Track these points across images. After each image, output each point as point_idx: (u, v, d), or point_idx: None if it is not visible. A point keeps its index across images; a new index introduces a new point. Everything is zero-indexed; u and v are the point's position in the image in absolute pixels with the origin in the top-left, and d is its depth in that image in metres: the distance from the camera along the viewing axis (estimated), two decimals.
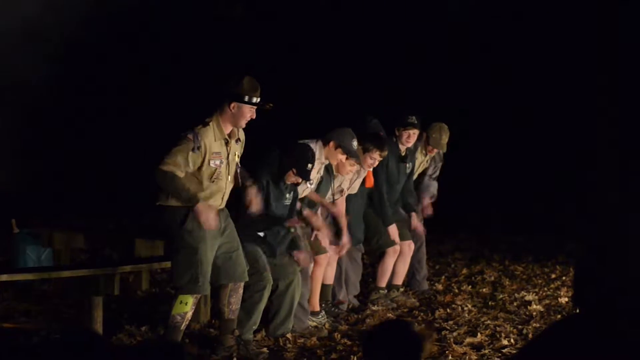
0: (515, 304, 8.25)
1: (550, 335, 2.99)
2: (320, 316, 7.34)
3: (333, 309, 7.70)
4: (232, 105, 6.14)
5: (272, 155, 6.82)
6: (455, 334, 7.03)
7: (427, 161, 8.82)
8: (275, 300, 6.86)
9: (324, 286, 7.51)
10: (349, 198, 7.73)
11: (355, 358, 6.28)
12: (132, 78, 14.44)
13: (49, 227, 9.11)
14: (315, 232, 7.29)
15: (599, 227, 10.51)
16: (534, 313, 7.83)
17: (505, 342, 6.78)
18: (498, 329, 7.21)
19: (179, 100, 13.34)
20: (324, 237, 7.35)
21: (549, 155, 13.82)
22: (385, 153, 7.60)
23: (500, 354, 6.54)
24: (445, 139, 8.57)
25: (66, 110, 13.51)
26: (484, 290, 8.92)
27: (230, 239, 6.34)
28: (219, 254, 6.28)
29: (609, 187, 12.22)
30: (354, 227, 7.74)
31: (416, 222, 8.54)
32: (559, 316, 7.69)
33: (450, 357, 6.40)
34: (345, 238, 7.54)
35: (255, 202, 6.43)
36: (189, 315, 6.22)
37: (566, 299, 8.29)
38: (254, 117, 6.21)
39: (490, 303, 8.29)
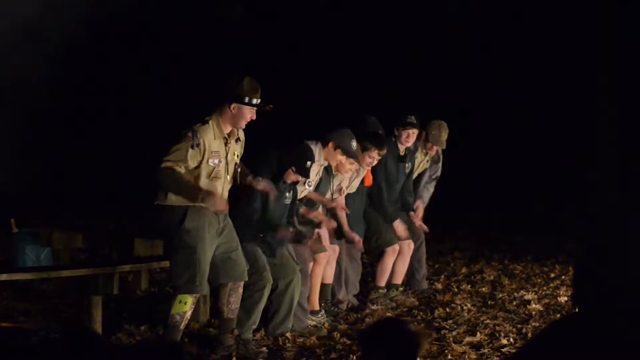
0: (514, 303, 8.25)
1: (550, 335, 2.99)
2: (319, 315, 7.34)
3: (332, 308, 7.70)
4: (232, 106, 6.14)
5: (271, 155, 6.82)
6: (454, 333, 7.03)
7: (427, 161, 8.81)
8: (274, 300, 6.86)
9: (323, 285, 7.51)
10: (348, 197, 7.73)
11: (354, 357, 6.28)
12: (132, 78, 14.43)
13: (49, 226, 9.11)
14: (316, 231, 7.29)
15: (599, 227, 10.50)
16: (534, 312, 7.83)
17: (504, 341, 6.79)
18: (497, 328, 7.21)
19: (179, 100, 13.33)
20: (325, 234, 7.36)
21: (549, 155, 13.83)
22: (384, 152, 7.60)
23: (499, 353, 6.53)
24: (444, 135, 8.56)
25: (66, 110, 13.50)
26: (484, 289, 8.91)
27: (229, 238, 6.34)
28: (218, 254, 6.28)
29: (609, 187, 12.21)
30: (354, 226, 7.74)
31: (419, 221, 8.55)
32: (558, 315, 7.68)
33: (449, 357, 6.40)
34: (352, 234, 7.58)
35: (272, 191, 6.41)
36: (188, 314, 6.22)
37: (565, 298, 8.30)
38: (254, 118, 6.21)
39: (489, 302, 8.28)
